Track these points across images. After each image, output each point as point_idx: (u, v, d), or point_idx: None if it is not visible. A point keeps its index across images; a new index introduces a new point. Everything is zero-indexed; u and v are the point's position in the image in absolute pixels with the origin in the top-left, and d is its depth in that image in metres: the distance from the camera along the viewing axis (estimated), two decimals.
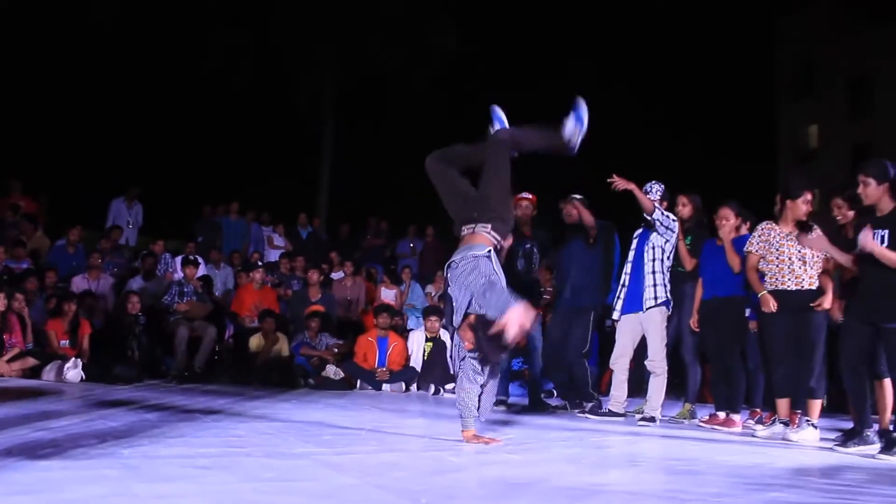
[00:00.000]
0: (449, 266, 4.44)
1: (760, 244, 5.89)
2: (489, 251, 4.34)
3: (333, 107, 20.64)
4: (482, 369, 4.41)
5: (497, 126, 4.86)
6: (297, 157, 22.47)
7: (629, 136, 27.23)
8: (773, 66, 31.55)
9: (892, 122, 26.04)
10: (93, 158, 20.93)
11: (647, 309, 6.49)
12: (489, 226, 4.47)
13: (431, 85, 20.54)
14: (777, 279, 5.80)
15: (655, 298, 6.48)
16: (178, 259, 11.41)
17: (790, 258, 5.77)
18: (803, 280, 5.73)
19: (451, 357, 4.45)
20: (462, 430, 4.46)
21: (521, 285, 6.21)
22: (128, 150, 21.69)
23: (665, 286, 6.52)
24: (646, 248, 6.62)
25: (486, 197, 4.55)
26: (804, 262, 5.73)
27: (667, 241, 6.59)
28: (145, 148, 22.38)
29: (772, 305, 5.69)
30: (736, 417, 6.35)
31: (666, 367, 6.50)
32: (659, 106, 29.17)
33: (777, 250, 5.82)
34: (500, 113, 4.89)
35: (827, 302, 5.68)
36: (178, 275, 10.66)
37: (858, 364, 5.22)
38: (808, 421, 5.65)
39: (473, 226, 4.49)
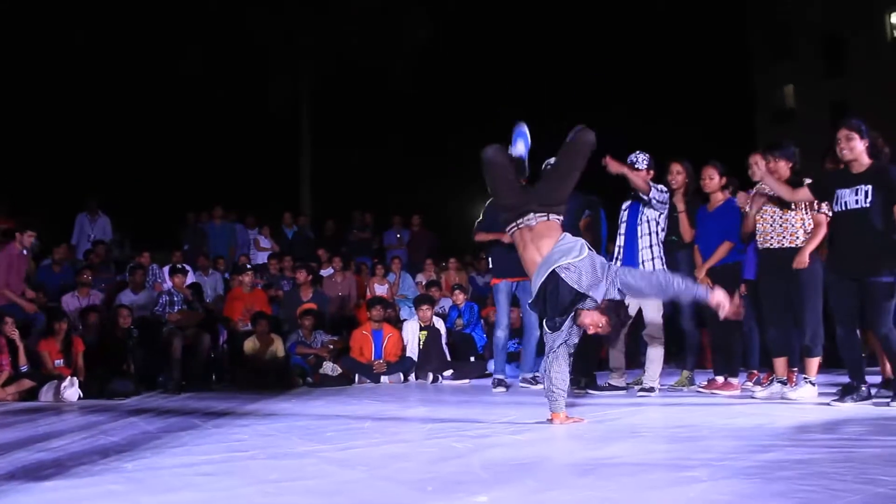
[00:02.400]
0: (550, 264, 4.44)
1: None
2: (583, 243, 4.48)
3: (310, 102, 20.59)
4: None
5: (520, 143, 4.89)
6: (276, 157, 22.39)
7: (604, 103, 27.28)
8: (747, 27, 31.58)
9: (867, 80, 26.16)
10: (63, 173, 20.62)
11: None
12: (560, 217, 4.63)
13: (408, 78, 20.51)
14: (763, 238, 5.88)
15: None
16: (166, 269, 11.36)
17: (772, 216, 5.87)
18: (784, 238, 5.79)
19: (548, 346, 4.57)
20: (552, 414, 4.59)
21: None
22: (102, 162, 21.43)
23: (661, 258, 6.54)
24: (639, 222, 6.62)
25: (559, 189, 4.67)
26: (786, 221, 5.79)
27: (661, 213, 6.60)
28: (121, 159, 22.16)
29: None
30: (734, 381, 6.40)
31: (663, 337, 6.55)
32: (635, 71, 29.20)
33: (762, 209, 5.94)
34: (524, 129, 4.92)
35: (802, 257, 5.70)
36: (168, 285, 10.61)
37: (848, 319, 5.30)
38: (805, 378, 5.70)
39: (544, 216, 4.57)
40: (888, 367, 5.71)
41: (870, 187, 5.13)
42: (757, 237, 5.96)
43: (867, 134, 5.22)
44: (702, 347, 7.79)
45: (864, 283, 5.15)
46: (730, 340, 6.49)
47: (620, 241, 6.74)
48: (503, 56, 27.03)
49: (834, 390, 5.70)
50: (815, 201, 5.69)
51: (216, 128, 21.97)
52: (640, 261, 6.53)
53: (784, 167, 5.84)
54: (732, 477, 2.85)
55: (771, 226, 5.87)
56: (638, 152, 6.74)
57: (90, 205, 12.85)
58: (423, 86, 21.16)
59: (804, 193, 5.57)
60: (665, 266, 6.51)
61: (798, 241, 5.75)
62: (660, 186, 6.62)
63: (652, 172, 6.73)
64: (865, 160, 5.22)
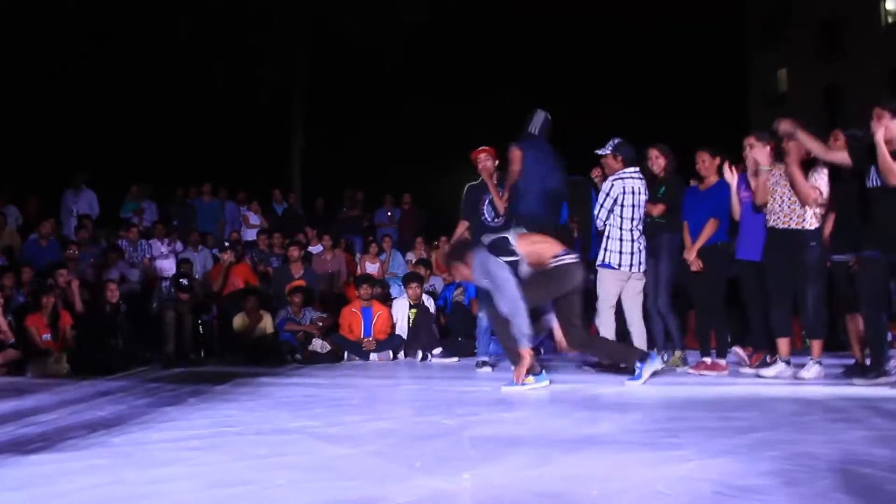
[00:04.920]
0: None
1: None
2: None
3: (303, 79, 20.45)
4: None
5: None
6: (267, 134, 22.24)
7: (599, 85, 27.24)
8: (744, 9, 31.48)
9: (862, 65, 26.13)
10: (50, 149, 20.42)
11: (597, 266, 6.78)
12: None
13: (402, 58, 20.41)
14: (772, 216, 5.91)
15: (599, 261, 6.73)
16: (154, 243, 11.32)
17: (781, 196, 5.87)
18: (791, 220, 5.78)
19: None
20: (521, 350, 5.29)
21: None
22: (90, 138, 21.21)
23: (606, 249, 6.66)
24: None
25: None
26: (795, 203, 5.78)
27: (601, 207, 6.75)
28: (110, 135, 21.95)
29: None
30: (722, 361, 6.43)
31: (608, 323, 6.66)
32: (629, 55, 29.13)
33: (772, 189, 5.95)
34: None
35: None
36: (161, 261, 10.70)
37: (881, 297, 5.29)
38: (812, 359, 5.73)
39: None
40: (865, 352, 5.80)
41: None
42: (766, 214, 5.96)
43: None
44: (687, 329, 7.81)
45: None
46: (716, 321, 6.52)
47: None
48: (496, 35, 26.90)
49: (837, 372, 5.76)
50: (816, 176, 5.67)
51: (207, 104, 21.77)
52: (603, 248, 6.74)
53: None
54: (720, 456, 2.86)
55: (780, 206, 5.87)
56: (614, 139, 6.82)
57: (76, 180, 12.75)
58: (416, 64, 21.07)
59: (841, 155, 5.49)
60: (643, 249, 6.67)
61: (804, 224, 5.75)
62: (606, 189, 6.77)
63: (619, 157, 6.73)
64: None
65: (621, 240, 6.64)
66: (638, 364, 5.53)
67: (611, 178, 6.75)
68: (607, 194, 6.67)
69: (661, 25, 28.49)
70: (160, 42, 19.26)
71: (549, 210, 7.03)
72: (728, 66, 30.96)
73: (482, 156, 7.51)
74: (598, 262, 6.73)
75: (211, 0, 18.65)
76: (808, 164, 5.81)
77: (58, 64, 20.07)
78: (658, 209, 6.69)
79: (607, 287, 6.68)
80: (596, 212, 6.76)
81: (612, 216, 6.66)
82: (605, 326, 6.62)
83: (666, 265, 6.71)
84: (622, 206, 6.66)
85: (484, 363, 7.27)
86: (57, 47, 19.61)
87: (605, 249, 6.66)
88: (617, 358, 6.12)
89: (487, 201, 7.41)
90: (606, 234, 6.70)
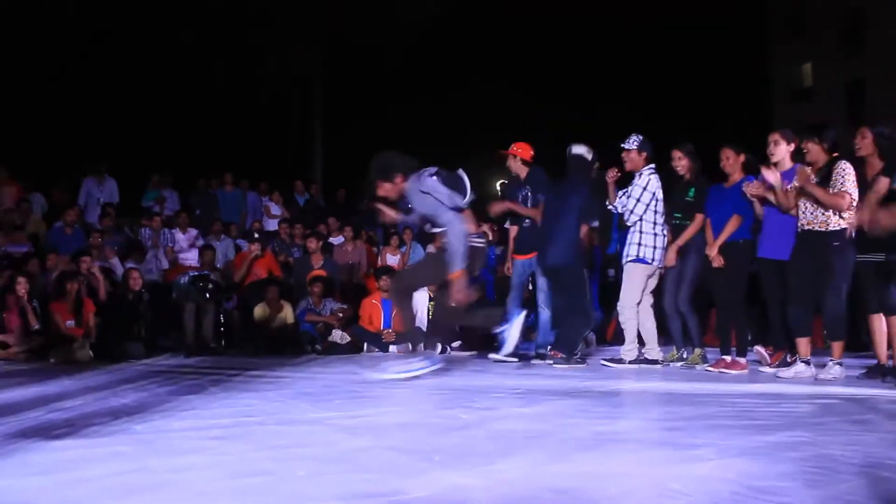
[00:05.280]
0: None
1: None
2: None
3: (324, 71, 20.51)
4: None
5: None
6: (289, 125, 22.31)
7: (621, 80, 27.05)
8: (766, 4, 31.14)
9: (885, 59, 25.78)
10: (74, 139, 20.61)
11: (623, 263, 6.84)
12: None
13: (418, 50, 20.47)
14: (802, 219, 5.87)
15: (628, 255, 6.78)
16: (176, 232, 11.40)
17: (805, 202, 5.82)
18: (816, 222, 5.72)
19: None
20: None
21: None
22: (113, 127, 21.38)
23: (640, 244, 6.68)
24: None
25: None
26: (816, 205, 5.73)
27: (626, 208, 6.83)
28: (134, 125, 22.10)
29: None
30: (741, 360, 6.39)
31: (633, 317, 6.70)
32: (653, 51, 28.91)
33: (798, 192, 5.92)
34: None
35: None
36: (184, 254, 10.78)
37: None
38: (833, 360, 5.69)
39: None
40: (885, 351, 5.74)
41: None
42: (799, 218, 5.91)
43: None
44: (706, 327, 7.79)
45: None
46: (736, 319, 6.49)
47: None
48: (510, 28, 26.78)
49: (857, 373, 5.72)
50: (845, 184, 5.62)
51: (230, 94, 21.89)
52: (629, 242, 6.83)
53: (819, 151, 5.78)
54: (739, 456, 2.85)
55: (804, 208, 5.81)
56: (633, 135, 6.88)
57: (98, 168, 12.87)
58: (436, 55, 21.06)
59: (839, 200, 5.54)
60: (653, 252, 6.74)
61: (830, 226, 5.68)
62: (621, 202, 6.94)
63: (644, 154, 6.75)
64: None
65: (655, 234, 6.65)
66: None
67: (646, 173, 6.73)
68: (644, 188, 6.66)
69: (683, 21, 28.23)
70: (184, 32, 19.36)
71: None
72: (751, 61, 30.65)
73: (509, 157, 7.63)
74: (628, 258, 6.68)
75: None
76: (830, 162, 5.75)
77: (81, 51, 20.25)
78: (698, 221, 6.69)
79: (638, 282, 6.67)
80: (630, 206, 6.72)
81: (647, 211, 6.65)
82: (631, 322, 6.62)
83: (692, 263, 6.69)
84: (657, 200, 6.68)
85: (540, 355, 7.34)
86: (81, 36, 19.78)
87: (639, 244, 6.63)
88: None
89: (521, 197, 7.56)
90: (638, 228, 6.66)
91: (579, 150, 7.09)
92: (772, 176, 6.06)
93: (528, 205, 7.49)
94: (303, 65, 20.12)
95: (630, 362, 6.77)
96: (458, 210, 5.38)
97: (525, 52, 27.47)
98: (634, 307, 6.72)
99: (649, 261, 6.66)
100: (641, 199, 6.67)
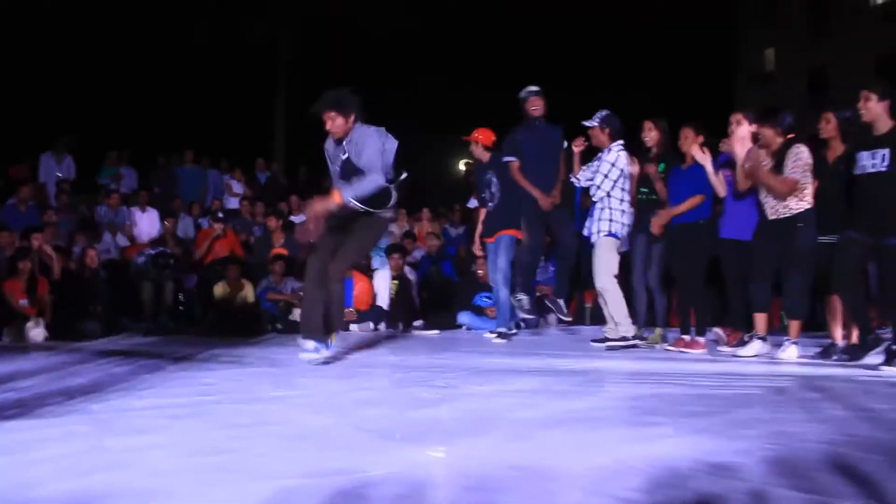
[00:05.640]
0: None
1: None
2: None
3: (286, 46, 20.24)
4: None
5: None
6: (250, 101, 22.02)
7: (586, 62, 27.10)
8: None
9: (849, 46, 26.11)
10: (29, 114, 20.07)
11: (593, 239, 6.75)
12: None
13: (388, 29, 20.26)
14: (763, 207, 5.92)
15: (599, 231, 6.67)
16: (135, 210, 11.21)
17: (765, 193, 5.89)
18: (777, 209, 5.78)
19: None
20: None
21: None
22: (68, 103, 20.87)
23: (610, 220, 6.63)
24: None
25: None
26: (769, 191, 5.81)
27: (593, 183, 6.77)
28: (92, 100, 21.61)
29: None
30: (700, 339, 6.47)
31: (616, 290, 6.63)
32: (615, 32, 28.94)
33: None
34: None
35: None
36: (140, 228, 10.62)
37: (856, 276, 5.34)
38: (789, 339, 5.78)
39: None
40: (854, 333, 5.82)
41: (887, 150, 5.07)
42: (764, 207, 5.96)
43: (888, 95, 5.14)
44: (669, 307, 7.86)
45: (880, 245, 5.14)
46: (695, 300, 6.54)
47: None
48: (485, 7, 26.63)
49: (813, 352, 5.83)
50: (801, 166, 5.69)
51: (191, 70, 21.52)
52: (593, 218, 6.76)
53: (773, 135, 5.86)
54: (697, 434, 2.88)
55: (765, 196, 5.87)
56: (601, 111, 6.83)
57: (58, 145, 12.57)
58: (401, 36, 20.90)
59: (783, 186, 5.64)
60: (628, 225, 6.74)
61: (791, 209, 5.74)
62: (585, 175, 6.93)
63: (608, 129, 6.74)
64: (885, 123, 5.15)
65: (623, 211, 6.65)
66: (312, 344, 5.17)
67: (615, 149, 6.68)
68: (613, 164, 6.63)
69: (648, 2, 28.31)
70: (142, 6, 18.97)
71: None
72: (715, 45, 30.85)
73: (471, 143, 7.74)
74: (601, 233, 6.62)
75: None
76: (786, 145, 5.82)
77: (37, 26, 19.73)
78: (663, 191, 6.70)
79: (613, 255, 6.65)
80: (598, 181, 6.66)
81: (615, 187, 6.64)
82: (613, 294, 6.60)
83: (660, 242, 6.72)
84: (624, 177, 6.68)
85: (501, 334, 7.39)
86: (37, 8, 19.27)
87: (610, 220, 6.60)
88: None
89: (486, 181, 7.67)
90: (607, 205, 6.63)
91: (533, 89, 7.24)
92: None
93: (494, 190, 7.52)
94: (266, 38, 19.82)
95: (615, 341, 6.71)
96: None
97: (497, 35, 27.36)
98: (614, 280, 6.68)
99: (619, 236, 6.67)
100: (609, 174, 6.65)
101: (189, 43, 19.82)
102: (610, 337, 6.68)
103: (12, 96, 20.19)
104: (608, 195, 6.65)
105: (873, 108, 5.16)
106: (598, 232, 6.64)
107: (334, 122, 5.29)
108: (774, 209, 5.80)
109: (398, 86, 24.37)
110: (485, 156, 7.66)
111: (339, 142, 5.37)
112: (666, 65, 28.58)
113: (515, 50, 27.39)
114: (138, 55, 21.04)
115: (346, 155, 5.31)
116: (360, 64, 22.49)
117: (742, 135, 6.16)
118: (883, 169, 5.11)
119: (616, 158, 6.66)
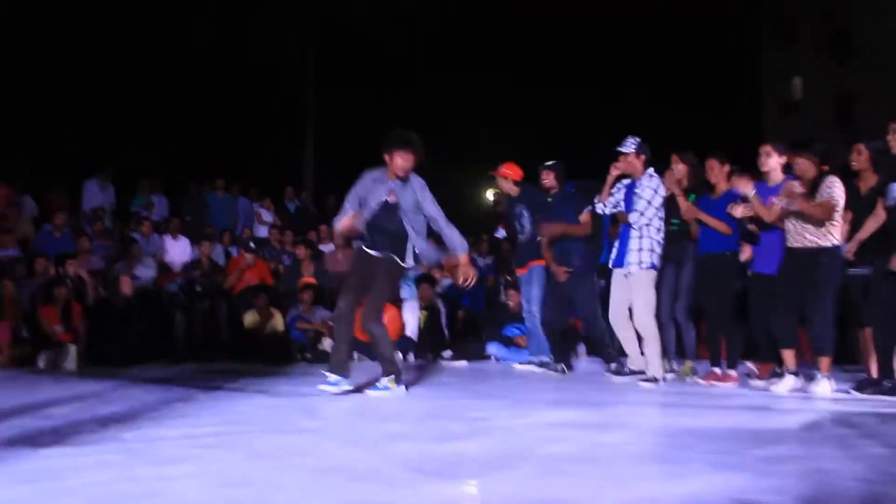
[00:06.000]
0: None
1: None
2: None
3: (315, 77, 20.55)
4: None
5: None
6: (280, 131, 22.30)
7: (608, 91, 27.10)
8: (757, 17, 31.33)
9: (875, 71, 25.88)
10: (63, 142, 20.45)
11: (632, 271, 6.52)
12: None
13: (408, 47, 20.52)
14: (789, 236, 5.84)
15: (640, 263, 6.46)
16: (167, 238, 11.35)
17: (793, 220, 5.80)
18: (805, 239, 5.71)
19: None
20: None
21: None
22: (102, 132, 21.26)
23: (651, 250, 6.51)
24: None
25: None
26: (803, 222, 5.73)
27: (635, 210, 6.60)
28: (123, 128, 22.00)
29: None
30: (732, 373, 6.37)
31: (655, 329, 6.49)
32: (643, 61, 29.01)
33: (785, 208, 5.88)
34: None
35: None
36: (172, 256, 10.73)
37: (891, 314, 5.26)
38: (822, 375, 5.67)
39: None
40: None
41: None
42: (787, 235, 5.90)
43: None
44: (700, 339, 7.76)
45: None
46: (726, 331, 6.45)
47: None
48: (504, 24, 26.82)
49: (847, 386, 5.72)
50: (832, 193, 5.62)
51: (223, 101, 21.86)
52: (628, 248, 6.56)
53: (809, 165, 5.77)
54: (728, 470, 2.85)
55: (794, 226, 5.81)
56: (629, 137, 6.75)
57: (105, 173, 12.83)
58: (429, 66, 21.14)
59: (820, 210, 5.55)
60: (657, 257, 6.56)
61: (819, 241, 5.66)
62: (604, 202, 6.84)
63: (643, 157, 6.67)
64: None
65: (660, 241, 6.55)
66: (334, 377, 5.27)
67: (654, 177, 6.60)
68: (656, 191, 6.51)
69: (674, 31, 28.31)
70: (175, 37, 19.34)
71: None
72: (741, 73, 30.76)
73: (499, 178, 7.94)
74: (642, 263, 6.45)
75: None
76: (820, 176, 5.76)
77: (71, 55, 20.19)
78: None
79: (652, 293, 6.48)
80: (641, 208, 6.51)
81: (655, 216, 6.54)
82: (652, 334, 6.46)
83: (689, 274, 6.63)
84: (662, 207, 6.59)
85: (541, 363, 7.40)
86: (72, 39, 19.73)
87: (650, 251, 6.45)
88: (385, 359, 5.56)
89: (517, 215, 7.79)
90: (647, 234, 6.49)
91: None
92: (745, 187, 6.07)
93: (525, 223, 7.60)
94: (296, 71, 20.14)
95: (638, 373, 6.61)
96: None
97: (520, 45, 27.51)
98: (654, 320, 6.54)
99: (657, 268, 6.54)
100: (653, 202, 6.51)
101: (223, 75, 20.18)
102: (634, 369, 6.62)
103: (47, 123, 20.64)
104: (649, 223, 6.55)
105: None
106: (640, 263, 6.46)
107: (403, 158, 5.50)
108: (797, 237, 5.73)
109: (428, 116, 24.61)
110: (514, 190, 7.77)
111: (390, 180, 5.56)
112: (692, 95, 28.49)
113: (543, 58, 27.56)
114: (173, 85, 21.41)
115: (394, 197, 5.50)
116: (388, 92, 22.75)
117: (772, 166, 6.12)
118: None
119: (657, 185, 6.55)
